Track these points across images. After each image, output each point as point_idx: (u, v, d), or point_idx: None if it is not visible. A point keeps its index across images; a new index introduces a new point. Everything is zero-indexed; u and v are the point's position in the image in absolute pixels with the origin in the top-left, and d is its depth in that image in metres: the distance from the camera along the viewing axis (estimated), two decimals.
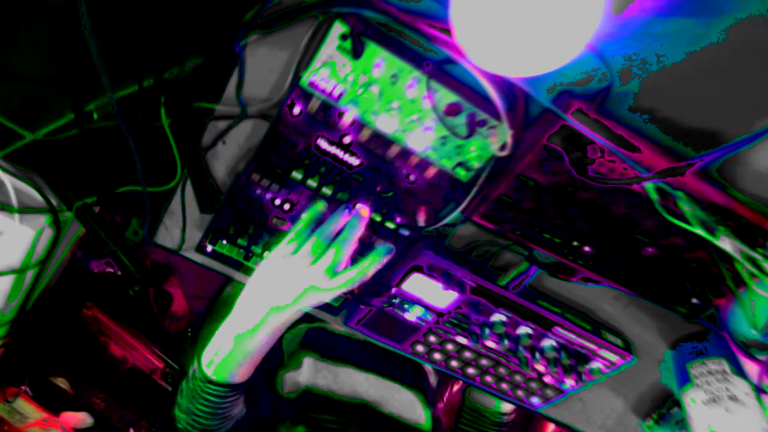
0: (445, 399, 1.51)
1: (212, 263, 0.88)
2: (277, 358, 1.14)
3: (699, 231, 0.66)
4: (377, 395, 1.11)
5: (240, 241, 0.83)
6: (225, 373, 0.78)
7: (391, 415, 1.09)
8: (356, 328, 0.96)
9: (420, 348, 0.98)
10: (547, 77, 0.63)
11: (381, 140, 0.69)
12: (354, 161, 0.72)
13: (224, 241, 0.83)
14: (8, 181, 0.81)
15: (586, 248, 0.76)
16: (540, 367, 0.91)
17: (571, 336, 0.89)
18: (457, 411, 1.30)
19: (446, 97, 0.65)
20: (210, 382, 0.78)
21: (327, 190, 0.75)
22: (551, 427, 1.57)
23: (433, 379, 1.33)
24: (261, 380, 1.02)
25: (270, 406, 1.00)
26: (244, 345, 0.76)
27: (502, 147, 0.66)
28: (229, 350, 0.76)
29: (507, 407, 1.24)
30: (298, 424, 0.98)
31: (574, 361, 0.91)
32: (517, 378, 1.00)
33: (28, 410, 1.66)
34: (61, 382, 1.73)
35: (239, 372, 0.79)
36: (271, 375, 1.09)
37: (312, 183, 0.75)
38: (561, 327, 0.88)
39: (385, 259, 0.73)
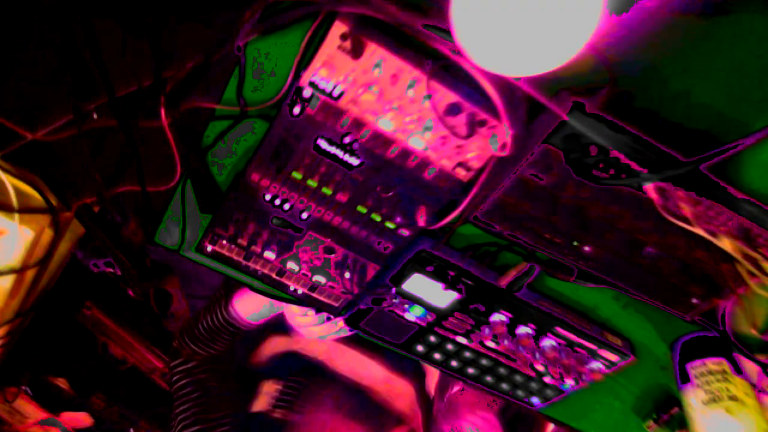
0: (445, 400, 1.51)
1: (212, 263, 0.88)
2: None
3: (699, 231, 0.66)
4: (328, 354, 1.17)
5: (240, 241, 0.83)
6: None
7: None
8: (356, 328, 0.96)
9: (420, 348, 0.98)
10: (547, 77, 0.62)
11: (381, 140, 0.69)
12: (354, 161, 0.72)
13: (224, 241, 0.83)
14: (8, 181, 0.81)
15: (586, 248, 0.76)
16: (540, 367, 0.91)
17: (571, 336, 0.89)
18: None
19: (446, 97, 0.65)
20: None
21: (327, 190, 0.75)
22: (551, 427, 1.57)
23: (432, 382, 1.33)
24: None
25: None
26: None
27: (502, 147, 0.66)
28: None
29: None
30: None
31: (574, 361, 0.91)
32: (517, 378, 1.00)
33: (28, 410, 1.67)
34: (61, 382, 1.73)
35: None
36: None
37: (312, 183, 0.75)
38: (561, 327, 0.88)
39: None
